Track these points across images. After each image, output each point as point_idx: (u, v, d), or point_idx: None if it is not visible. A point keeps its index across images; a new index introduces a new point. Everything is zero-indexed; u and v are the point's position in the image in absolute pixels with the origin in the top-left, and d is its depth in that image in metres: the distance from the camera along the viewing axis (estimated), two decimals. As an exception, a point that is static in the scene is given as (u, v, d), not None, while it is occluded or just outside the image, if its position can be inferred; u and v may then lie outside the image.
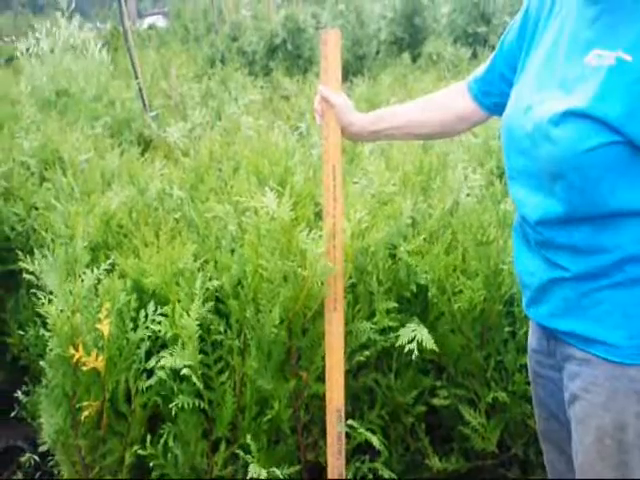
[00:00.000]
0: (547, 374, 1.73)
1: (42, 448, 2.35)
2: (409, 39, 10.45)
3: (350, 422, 2.18)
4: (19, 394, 2.87)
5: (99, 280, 2.25)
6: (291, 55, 10.28)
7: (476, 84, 1.87)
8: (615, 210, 1.44)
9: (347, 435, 2.24)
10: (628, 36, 1.39)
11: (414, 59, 9.66)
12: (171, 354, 2.09)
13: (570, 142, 1.42)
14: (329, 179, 1.97)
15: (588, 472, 1.60)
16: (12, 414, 3.00)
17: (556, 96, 1.48)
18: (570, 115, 1.42)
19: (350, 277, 2.33)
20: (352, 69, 9.38)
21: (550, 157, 1.46)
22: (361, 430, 2.17)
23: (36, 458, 2.80)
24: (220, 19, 13.87)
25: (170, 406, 2.10)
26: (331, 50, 1.93)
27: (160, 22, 23.58)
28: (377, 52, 10.42)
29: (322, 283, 2.12)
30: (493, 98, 1.83)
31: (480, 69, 1.87)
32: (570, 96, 1.45)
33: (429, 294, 2.42)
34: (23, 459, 2.86)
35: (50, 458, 2.63)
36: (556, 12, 1.61)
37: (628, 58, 1.37)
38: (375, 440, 2.16)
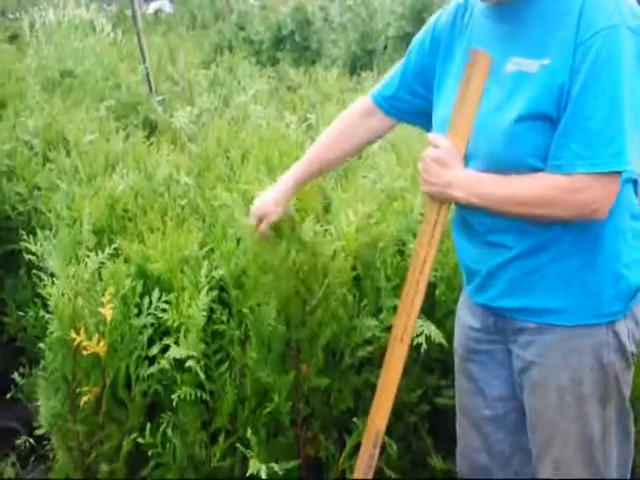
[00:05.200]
0: (486, 349, 1.86)
1: (38, 431, 2.30)
2: (418, 35, 10.33)
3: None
4: (15, 375, 2.83)
5: (103, 264, 2.22)
6: (298, 47, 10.23)
7: (387, 102, 1.99)
8: None
9: (351, 432, 2.24)
10: (543, 45, 1.55)
11: (422, 55, 9.55)
12: (176, 343, 2.06)
13: (501, 123, 1.59)
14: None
15: (550, 430, 1.73)
16: (7, 395, 2.97)
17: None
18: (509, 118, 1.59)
19: (354, 269, 2.31)
20: (360, 63, 9.35)
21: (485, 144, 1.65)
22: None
23: (31, 441, 2.75)
24: (227, 7, 13.79)
25: (172, 397, 2.07)
26: (477, 74, 1.66)
27: (166, 7, 23.38)
28: (385, 47, 10.35)
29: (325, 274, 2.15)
30: (407, 113, 2.01)
31: (387, 85, 2.01)
32: (497, 101, 1.62)
33: (437, 292, 2.39)
34: (18, 442, 2.80)
35: (46, 442, 2.60)
36: (469, 30, 1.77)
37: (546, 62, 1.53)
38: (387, 440, 2.14)
